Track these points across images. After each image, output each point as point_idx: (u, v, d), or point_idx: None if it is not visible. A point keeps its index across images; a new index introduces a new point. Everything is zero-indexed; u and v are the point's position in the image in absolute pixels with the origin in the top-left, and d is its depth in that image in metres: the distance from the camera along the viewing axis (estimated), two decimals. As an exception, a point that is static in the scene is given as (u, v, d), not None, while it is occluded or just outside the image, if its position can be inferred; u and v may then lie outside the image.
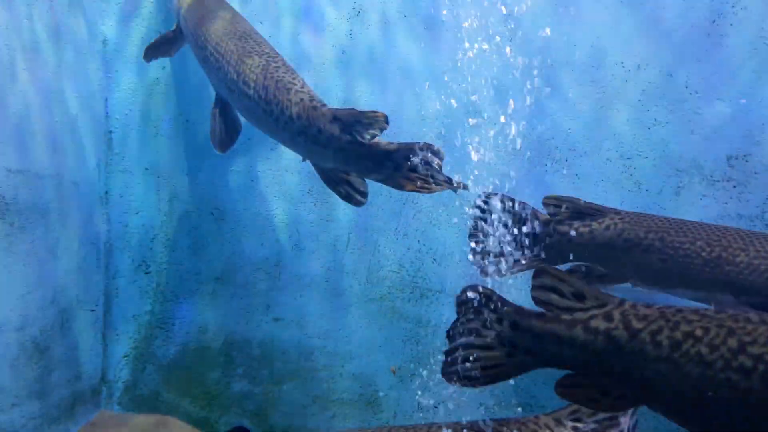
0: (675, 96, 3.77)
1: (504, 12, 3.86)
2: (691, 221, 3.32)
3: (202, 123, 4.44)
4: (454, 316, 3.33)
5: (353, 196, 3.31)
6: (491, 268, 3.45)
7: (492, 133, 3.85)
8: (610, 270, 3.43)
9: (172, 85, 4.59)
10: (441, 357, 3.55)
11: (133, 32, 4.60)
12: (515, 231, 3.44)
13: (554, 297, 2.35)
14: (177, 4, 4.15)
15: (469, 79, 3.93)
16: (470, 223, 3.53)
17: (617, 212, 3.43)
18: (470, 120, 3.96)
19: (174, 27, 4.21)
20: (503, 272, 3.44)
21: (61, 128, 4.04)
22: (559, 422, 2.87)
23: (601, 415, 2.81)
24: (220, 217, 4.47)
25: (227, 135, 3.91)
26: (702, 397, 2.04)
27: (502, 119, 3.78)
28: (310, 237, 4.35)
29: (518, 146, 3.81)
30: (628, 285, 3.45)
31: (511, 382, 2.61)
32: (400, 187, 3.11)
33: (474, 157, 3.81)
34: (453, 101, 4.06)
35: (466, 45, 3.92)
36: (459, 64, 3.97)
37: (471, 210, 3.51)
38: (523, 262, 3.43)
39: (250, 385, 4.37)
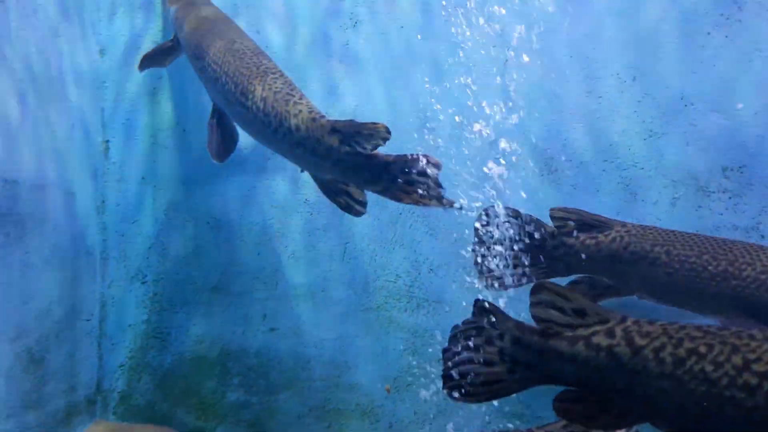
0: (670, 107, 3.78)
1: (499, 27, 3.88)
2: (698, 234, 3.32)
3: (198, 132, 4.43)
4: (451, 326, 3.34)
5: (352, 206, 3.31)
6: (496, 281, 3.45)
7: (488, 143, 3.87)
8: (616, 282, 3.43)
9: (168, 95, 4.59)
10: (440, 369, 3.57)
11: (130, 42, 4.61)
12: (520, 243, 3.44)
13: (554, 313, 2.34)
14: (174, 14, 4.15)
15: (468, 83, 3.95)
16: (475, 236, 3.53)
17: (623, 225, 3.42)
18: (473, 127, 3.97)
19: (172, 37, 4.21)
20: (508, 285, 3.44)
21: (58, 138, 4.03)
22: None
23: None
24: (217, 226, 4.47)
25: (224, 145, 3.91)
26: (706, 415, 2.02)
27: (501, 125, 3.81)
28: (307, 247, 4.35)
29: (514, 157, 3.84)
30: (634, 297, 3.46)
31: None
32: (398, 199, 3.12)
33: (471, 167, 3.84)
34: (450, 111, 4.08)
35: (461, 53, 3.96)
36: (457, 79, 4.01)
37: (476, 223, 3.51)
38: (528, 274, 3.43)
39: (246, 395, 4.36)
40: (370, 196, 3.30)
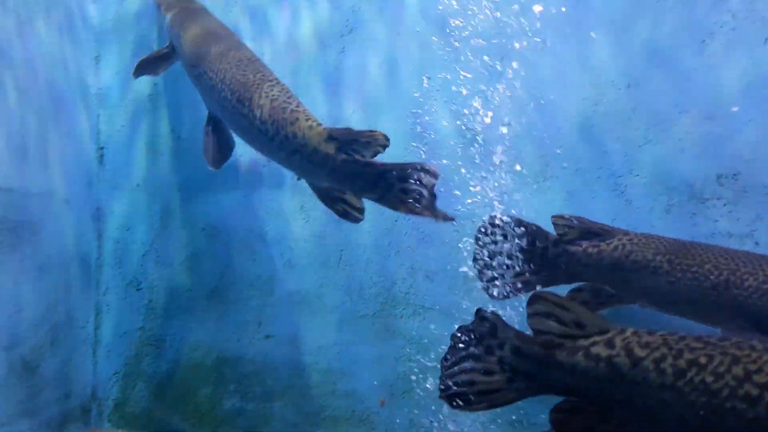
0: (665, 115, 3.79)
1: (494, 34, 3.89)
2: (700, 244, 3.30)
3: (193, 139, 4.43)
4: (447, 333, 3.33)
5: (350, 213, 3.32)
6: (497, 290, 3.45)
7: (485, 151, 3.88)
8: (619, 291, 3.42)
9: (164, 101, 4.59)
10: (437, 376, 3.56)
11: (125, 48, 4.61)
12: (523, 251, 3.44)
13: (553, 324, 2.34)
14: (170, 21, 4.14)
15: (464, 93, 3.96)
16: (477, 244, 3.53)
17: (626, 233, 3.41)
18: (467, 135, 3.98)
19: (167, 44, 4.20)
20: (510, 293, 3.44)
21: (53, 145, 4.03)
22: None
23: None
24: (212, 233, 4.46)
25: (220, 152, 3.90)
26: (707, 426, 2.01)
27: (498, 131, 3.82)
28: (303, 253, 4.35)
29: (511, 164, 3.84)
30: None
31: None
32: (394, 208, 3.12)
33: (466, 174, 3.85)
34: (444, 122, 4.08)
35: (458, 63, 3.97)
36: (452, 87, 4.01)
37: (478, 231, 3.52)
38: (531, 282, 3.43)
39: (242, 402, 4.36)
40: (366, 203, 3.30)
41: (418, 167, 3.03)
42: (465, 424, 3.85)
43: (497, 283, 3.47)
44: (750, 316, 3.04)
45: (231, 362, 4.39)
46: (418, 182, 3.01)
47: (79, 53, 4.42)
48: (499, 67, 3.92)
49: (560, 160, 3.94)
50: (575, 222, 3.47)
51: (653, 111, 3.81)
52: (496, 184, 3.80)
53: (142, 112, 4.58)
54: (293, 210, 4.36)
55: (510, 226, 3.47)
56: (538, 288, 3.43)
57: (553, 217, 3.51)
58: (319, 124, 3.24)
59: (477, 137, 3.96)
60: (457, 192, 3.84)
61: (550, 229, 3.54)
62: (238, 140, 3.86)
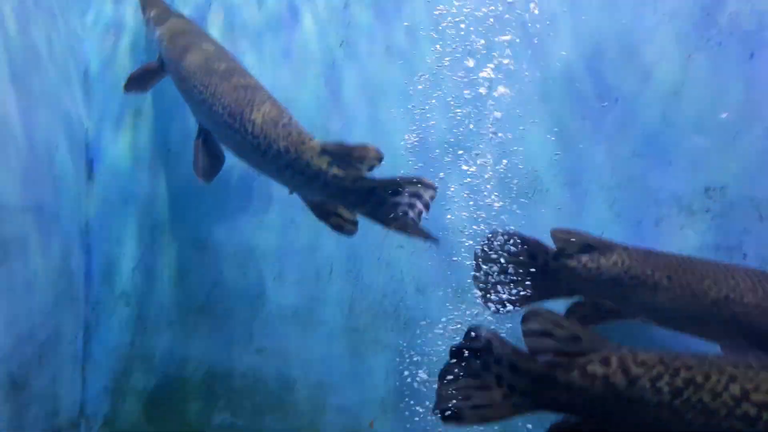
0: (652, 128, 3.82)
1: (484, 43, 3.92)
2: (699, 259, 3.31)
3: (183, 152, 4.42)
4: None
5: (344, 226, 3.33)
6: (497, 304, 3.46)
7: (475, 166, 3.90)
8: (619, 306, 3.42)
9: (153, 115, 4.57)
10: (428, 390, 3.55)
11: (114, 62, 4.60)
12: (523, 265, 3.44)
13: (549, 342, 2.33)
14: (159, 35, 4.14)
15: (451, 102, 3.97)
16: (476, 258, 3.53)
17: (625, 248, 3.41)
18: (458, 150, 4.00)
19: (157, 58, 4.20)
20: (510, 307, 3.44)
21: (41, 159, 4.00)
22: None
23: None
24: (202, 247, 4.45)
25: (210, 165, 3.89)
26: None
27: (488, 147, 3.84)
28: (293, 267, 4.34)
29: (500, 177, 3.86)
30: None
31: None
32: (384, 224, 3.12)
33: (456, 188, 3.86)
34: (434, 136, 4.10)
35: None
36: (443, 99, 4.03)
37: (478, 247, 3.52)
38: (531, 296, 3.43)
39: (232, 417, 4.33)
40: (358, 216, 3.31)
41: (414, 181, 3.03)
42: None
43: (497, 296, 3.47)
44: (749, 332, 3.04)
45: (221, 377, 4.37)
46: (415, 196, 3.00)
47: (68, 66, 4.40)
48: (487, 80, 3.95)
49: (550, 174, 3.96)
50: (575, 236, 3.47)
51: (641, 125, 3.84)
52: (485, 197, 3.82)
53: (132, 125, 4.57)
54: (283, 224, 4.36)
55: (510, 241, 3.47)
56: (536, 302, 3.45)
57: (552, 230, 3.51)
58: (312, 138, 3.25)
59: (466, 151, 3.97)
60: (446, 205, 3.86)
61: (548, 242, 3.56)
62: (228, 153, 3.85)
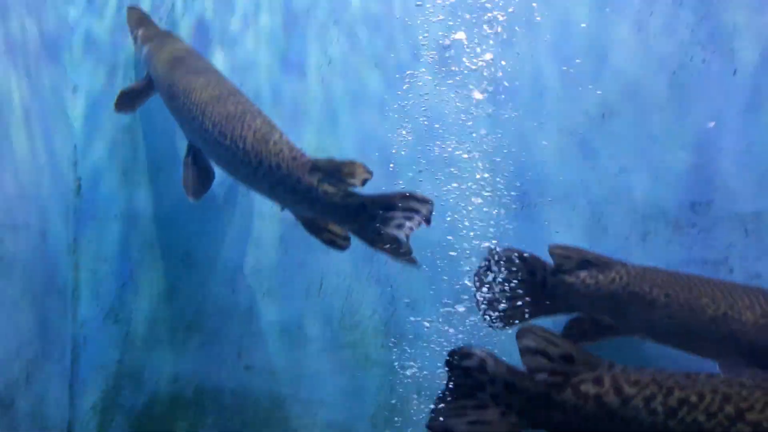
0: (639, 144, 3.86)
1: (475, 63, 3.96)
2: (697, 276, 3.32)
3: (172, 169, 4.41)
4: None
5: (336, 241, 3.34)
6: (496, 320, 3.47)
7: (461, 179, 3.92)
8: (617, 322, 3.42)
9: (142, 132, 4.57)
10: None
11: (103, 79, 4.60)
12: (521, 282, 3.45)
13: (542, 360, 2.33)
14: (147, 53, 4.14)
15: (440, 124, 4.01)
16: (476, 275, 3.55)
17: (623, 265, 3.42)
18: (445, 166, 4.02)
19: (145, 76, 4.20)
20: (509, 323, 3.45)
21: (28, 177, 3.98)
22: None
23: None
24: (191, 263, 4.44)
25: (200, 183, 3.89)
26: None
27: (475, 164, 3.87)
28: (282, 283, 4.33)
29: (488, 192, 3.89)
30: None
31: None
32: (370, 243, 3.12)
33: (443, 203, 3.88)
34: (423, 152, 4.12)
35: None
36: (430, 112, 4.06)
37: (478, 265, 3.54)
38: (530, 312, 3.45)
39: (222, 434, 4.31)
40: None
41: (407, 196, 3.04)
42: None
43: (496, 313, 3.48)
44: (747, 350, 3.05)
45: (210, 394, 4.34)
46: (409, 211, 3.00)
47: (56, 83, 4.40)
48: (475, 96, 3.98)
49: (538, 189, 3.99)
50: (573, 252, 3.48)
51: (628, 140, 3.88)
52: (473, 212, 3.84)
53: (120, 142, 4.56)
54: (272, 239, 4.36)
55: (508, 257, 3.49)
56: (536, 318, 3.47)
57: (550, 247, 3.52)
58: (303, 155, 3.26)
59: (453, 166, 4.00)
60: (433, 221, 3.86)
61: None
62: (217, 170, 3.85)
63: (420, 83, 4.13)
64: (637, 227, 3.83)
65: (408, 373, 4.06)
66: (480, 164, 3.91)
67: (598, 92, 3.91)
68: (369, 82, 4.28)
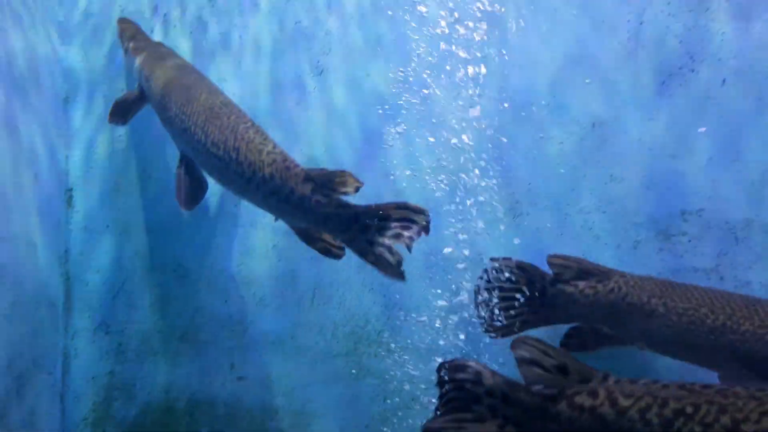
0: (629, 153, 3.88)
1: (469, 71, 3.98)
2: (696, 286, 3.32)
3: (164, 179, 4.41)
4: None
5: (331, 250, 3.35)
6: (495, 329, 3.48)
7: (453, 188, 3.94)
8: (617, 332, 3.43)
9: (133, 142, 4.56)
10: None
11: (94, 89, 4.59)
12: (521, 293, 3.46)
13: (537, 370, 2.34)
14: (138, 64, 4.14)
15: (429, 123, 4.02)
16: (476, 286, 3.56)
17: (622, 275, 3.42)
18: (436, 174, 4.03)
19: (136, 87, 4.19)
20: (508, 333, 3.45)
21: (19, 188, 3.97)
22: None
23: None
24: (183, 274, 4.42)
25: (193, 194, 3.89)
26: None
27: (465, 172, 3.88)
28: (275, 293, 4.32)
29: (480, 201, 3.90)
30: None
31: None
32: (361, 254, 3.12)
33: (436, 212, 3.89)
34: (414, 161, 4.13)
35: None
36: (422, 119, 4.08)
37: (478, 277, 3.55)
38: (529, 321, 3.46)
39: (215, 446, 4.29)
40: (344, 241, 3.32)
41: (402, 206, 3.05)
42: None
43: (495, 322, 3.49)
44: (747, 360, 3.06)
45: (203, 405, 4.32)
46: (405, 221, 3.01)
47: (47, 94, 4.38)
48: (466, 103, 4.00)
49: (529, 198, 4.01)
50: (572, 262, 3.49)
51: (618, 149, 3.91)
52: (465, 221, 3.86)
53: (112, 153, 4.56)
54: (265, 249, 4.35)
55: (507, 267, 3.50)
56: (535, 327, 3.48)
57: (549, 257, 3.53)
58: (296, 165, 3.26)
59: (446, 176, 4.02)
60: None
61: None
62: (210, 181, 3.85)
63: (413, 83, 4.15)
64: (629, 235, 3.85)
65: (401, 383, 4.06)
66: (471, 173, 3.92)
67: (587, 101, 3.94)
68: (363, 92, 4.30)
